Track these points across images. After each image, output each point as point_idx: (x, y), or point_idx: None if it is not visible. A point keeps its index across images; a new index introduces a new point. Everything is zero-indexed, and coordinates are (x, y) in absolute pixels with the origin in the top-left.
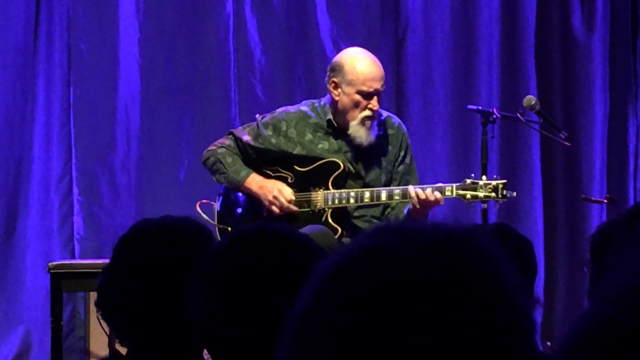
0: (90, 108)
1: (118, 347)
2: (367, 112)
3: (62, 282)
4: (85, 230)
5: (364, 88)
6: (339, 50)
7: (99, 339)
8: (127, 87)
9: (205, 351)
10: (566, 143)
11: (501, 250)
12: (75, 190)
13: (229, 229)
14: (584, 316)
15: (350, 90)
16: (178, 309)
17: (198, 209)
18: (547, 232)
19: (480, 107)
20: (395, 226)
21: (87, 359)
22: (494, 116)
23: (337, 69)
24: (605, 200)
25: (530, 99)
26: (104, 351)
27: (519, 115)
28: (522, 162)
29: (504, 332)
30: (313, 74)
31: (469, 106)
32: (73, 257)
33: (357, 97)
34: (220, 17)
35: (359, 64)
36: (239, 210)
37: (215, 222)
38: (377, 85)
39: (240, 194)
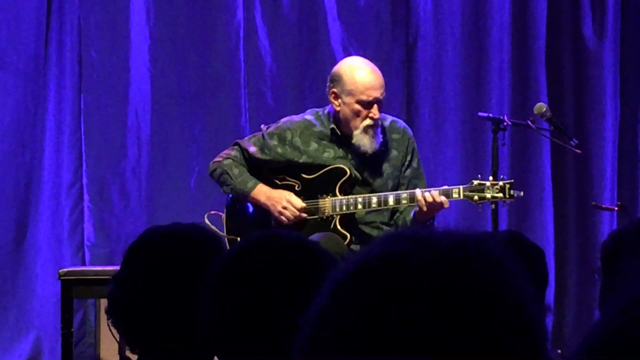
0: (100, 115)
1: (128, 354)
2: (368, 121)
3: (73, 289)
4: (95, 237)
5: (364, 97)
6: (349, 56)
7: (109, 346)
8: (137, 95)
9: (216, 358)
10: (577, 150)
11: (513, 258)
12: (85, 197)
13: (238, 239)
14: (596, 326)
15: (350, 100)
16: (188, 316)
17: (206, 220)
18: (557, 239)
19: (490, 115)
20: (408, 233)
21: None
22: (505, 123)
23: (336, 80)
24: (616, 208)
25: (541, 107)
26: (114, 358)
27: (529, 122)
28: (533, 170)
29: (516, 341)
30: (324, 81)
31: (480, 113)
32: (83, 264)
33: (357, 106)
34: (230, 24)
35: (358, 73)
36: (247, 220)
37: (225, 233)
38: (377, 93)
39: (247, 204)
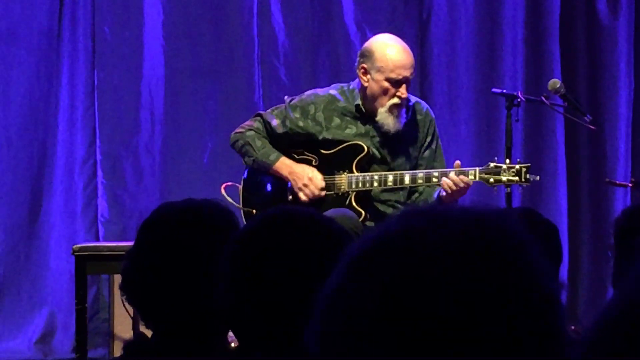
0: (114, 91)
1: (142, 329)
2: (395, 100)
3: (87, 265)
4: (109, 212)
5: (393, 75)
6: (362, 33)
7: (123, 322)
8: (151, 70)
9: (230, 333)
10: (591, 127)
11: (529, 235)
12: (99, 173)
13: (254, 211)
14: (610, 302)
15: (379, 77)
16: (203, 292)
17: (223, 191)
18: (571, 215)
19: (504, 91)
20: (425, 210)
21: (111, 341)
22: (519, 99)
23: (367, 55)
24: (630, 184)
25: (555, 82)
26: (128, 333)
27: (543, 98)
28: (547, 146)
29: (535, 317)
30: (337, 57)
31: (493, 89)
32: (97, 240)
33: (386, 84)
34: (244, 0)
35: (389, 50)
36: (264, 193)
37: (241, 205)
38: (407, 73)
39: (264, 176)
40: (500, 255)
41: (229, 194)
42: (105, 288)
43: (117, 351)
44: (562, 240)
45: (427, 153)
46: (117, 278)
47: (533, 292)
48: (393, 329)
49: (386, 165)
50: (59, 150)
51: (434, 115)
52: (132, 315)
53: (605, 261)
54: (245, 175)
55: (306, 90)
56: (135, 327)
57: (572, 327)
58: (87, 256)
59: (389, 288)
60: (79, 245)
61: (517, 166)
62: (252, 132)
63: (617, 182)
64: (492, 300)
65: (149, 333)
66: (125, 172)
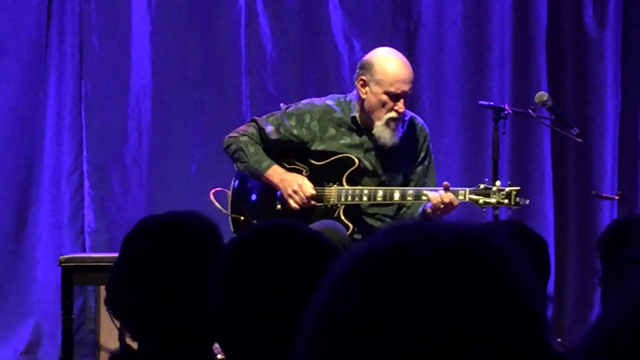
0: (101, 102)
1: (129, 340)
2: (392, 114)
3: (73, 275)
4: (96, 223)
5: (392, 89)
6: (350, 45)
7: (109, 332)
8: (138, 81)
9: (216, 345)
10: (578, 139)
11: (517, 250)
12: (86, 183)
13: (242, 218)
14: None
15: (377, 89)
16: (187, 304)
17: (212, 197)
18: (557, 228)
19: (491, 103)
20: (411, 225)
21: (97, 352)
22: (506, 112)
23: (366, 67)
24: (617, 197)
25: (542, 95)
26: (115, 344)
27: (530, 111)
28: (534, 158)
29: (519, 332)
30: (324, 68)
31: (481, 102)
32: (84, 251)
33: (384, 97)
34: (232, 11)
35: (389, 64)
36: (253, 200)
37: (229, 211)
38: (405, 87)
39: (254, 184)
40: (486, 270)
41: (217, 199)
42: (92, 299)
43: None
44: (549, 253)
45: (419, 169)
46: (104, 289)
47: (519, 308)
48: (380, 345)
49: (377, 178)
50: (45, 161)
51: (428, 132)
52: (118, 327)
53: (592, 274)
54: (235, 181)
55: (293, 102)
56: (121, 338)
57: (559, 340)
58: (73, 267)
59: (376, 304)
60: (65, 256)
61: (507, 189)
62: (245, 138)
63: (604, 195)
64: (478, 316)
65: (135, 345)
66: (112, 182)
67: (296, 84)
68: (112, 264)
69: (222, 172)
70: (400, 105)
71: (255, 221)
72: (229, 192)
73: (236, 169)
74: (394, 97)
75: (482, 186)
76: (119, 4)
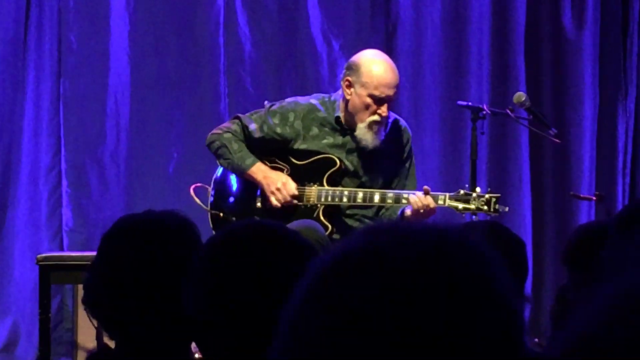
0: (80, 100)
1: (106, 339)
2: (375, 117)
3: (51, 274)
4: (73, 222)
5: (376, 93)
6: (329, 44)
7: (86, 331)
8: (117, 80)
9: (193, 345)
10: (555, 140)
11: (494, 251)
12: (64, 182)
13: (221, 214)
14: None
15: (362, 91)
16: (163, 304)
17: (192, 192)
18: (535, 228)
19: (470, 103)
20: (388, 226)
21: (74, 350)
22: (484, 112)
23: (353, 68)
24: (594, 198)
25: (520, 96)
26: (92, 343)
27: (508, 111)
28: (512, 159)
29: (495, 333)
30: (303, 67)
31: (459, 102)
32: (61, 249)
33: (368, 100)
34: (210, 10)
35: (376, 67)
36: (233, 197)
37: (208, 207)
38: (390, 92)
39: (234, 180)
40: (462, 272)
41: (197, 195)
42: (69, 297)
43: None
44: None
45: (401, 170)
46: (82, 288)
47: (495, 310)
48: (356, 346)
49: (357, 179)
50: (23, 159)
51: (411, 134)
52: (95, 325)
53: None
54: (216, 177)
55: (272, 101)
56: (98, 337)
57: (536, 340)
58: (51, 266)
59: (352, 305)
60: (43, 255)
61: (487, 195)
62: (229, 135)
63: (582, 195)
64: (452, 317)
65: (112, 344)
66: (90, 181)
67: (275, 83)
68: (89, 262)
69: (201, 171)
70: (383, 110)
71: (234, 218)
72: (210, 188)
73: (219, 165)
74: (378, 100)
75: (462, 192)
76: (97, 2)
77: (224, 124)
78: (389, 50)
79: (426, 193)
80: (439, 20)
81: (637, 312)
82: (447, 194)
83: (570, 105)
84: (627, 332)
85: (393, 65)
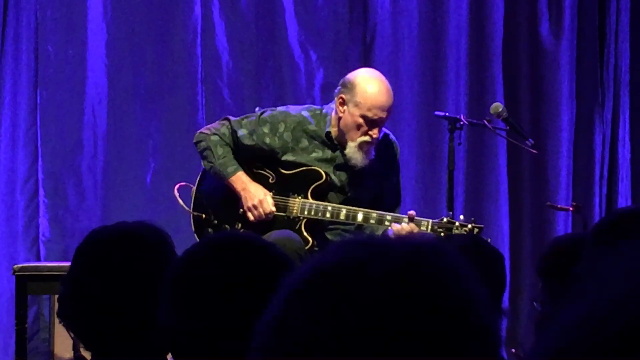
0: (57, 110)
1: (83, 351)
2: (366, 138)
3: (27, 285)
4: (50, 232)
5: (369, 114)
6: (306, 54)
7: (63, 342)
8: (94, 90)
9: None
10: (533, 150)
11: (468, 266)
12: (41, 192)
13: (203, 215)
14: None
15: (355, 111)
16: (138, 316)
17: (175, 192)
18: (512, 239)
19: (447, 114)
20: (364, 240)
21: None
22: (461, 123)
23: (348, 87)
24: (571, 208)
25: (498, 106)
26: (69, 354)
27: (486, 122)
28: (489, 169)
29: (469, 348)
30: (281, 77)
31: (436, 112)
32: (38, 260)
33: (360, 120)
34: (188, 20)
35: (371, 88)
36: (216, 199)
37: (191, 209)
38: (383, 114)
39: (219, 183)
40: (435, 289)
41: (181, 195)
42: (46, 308)
43: None
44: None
45: (387, 186)
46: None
47: (468, 323)
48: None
49: (343, 194)
50: (0, 169)
51: (399, 149)
52: (72, 336)
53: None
54: (201, 178)
55: (249, 112)
56: (75, 348)
57: (513, 350)
58: (27, 276)
59: (326, 320)
60: (19, 265)
61: (470, 225)
62: (216, 138)
63: (559, 206)
64: (428, 332)
65: (88, 355)
66: (67, 191)
67: (252, 93)
68: (66, 273)
69: (178, 180)
70: (375, 132)
71: (216, 221)
72: (194, 188)
73: (203, 165)
74: (370, 122)
75: (445, 219)
76: (75, 12)
77: (213, 125)
78: (366, 60)
79: (411, 219)
80: (417, 30)
81: (608, 328)
82: (431, 221)
83: (548, 115)
84: (596, 347)
85: (388, 86)
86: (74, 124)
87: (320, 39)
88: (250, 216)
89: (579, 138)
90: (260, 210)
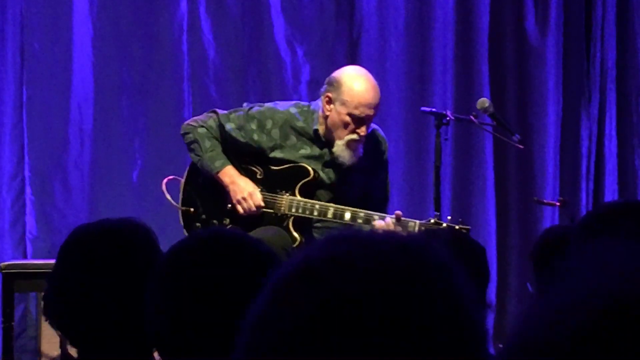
0: (43, 107)
1: (70, 348)
2: (354, 136)
3: (14, 282)
4: (37, 229)
5: (356, 112)
6: (293, 51)
7: (50, 340)
8: (80, 87)
9: (156, 354)
10: (519, 146)
11: (454, 260)
12: (27, 189)
13: (192, 210)
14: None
15: (342, 109)
16: (123, 313)
17: (163, 187)
18: (499, 234)
19: (433, 109)
20: (349, 235)
21: (38, 359)
22: (448, 118)
23: (334, 85)
24: (558, 203)
25: (484, 102)
26: (56, 351)
27: (472, 117)
28: (475, 165)
29: (455, 342)
30: (267, 74)
31: (423, 108)
32: (25, 257)
33: (347, 118)
34: (174, 17)
35: (357, 85)
36: (205, 194)
37: (179, 204)
38: (370, 112)
39: (208, 177)
40: (422, 281)
41: (169, 189)
42: (33, 306)
43: None
44: (491, 259)
45: (375, 181)
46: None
47: (456, 318)
48: (316, 354)
49: (332, 192)
50: None
51: (387, 145)
52: (59, 333)
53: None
54: (189, 171)
55: (236, 106)
56: (62, 345)
57: (500, 345)
58: (14, 274)
59: (313, 314)
60: (6, 263)
61: (457, 226)
62: (203, 130)
63: (545, 200)
64: (414, 326)
65: (75, 352)
66: (54, 189)
67: (238, 90)
68: (51, 271)
69: (165, 177)
70: (362, 130)
71: (204, 216)
72: (182, 182)
73: (191, 158)
74: (358, 120)
75: (432, 220)
76: (60, 8)
77: (200, 117)
78: (352, 56)
79: (398, 218)
80: (403, 26)
81: (573, 319)
82: (418, 222)
83: (534, 111)
84: (557, 337)
85: (375, 84)
86: (60, 121)
87: (307, 35)
88: (240, 209)
89: (566, 133)
90: (250, 202)
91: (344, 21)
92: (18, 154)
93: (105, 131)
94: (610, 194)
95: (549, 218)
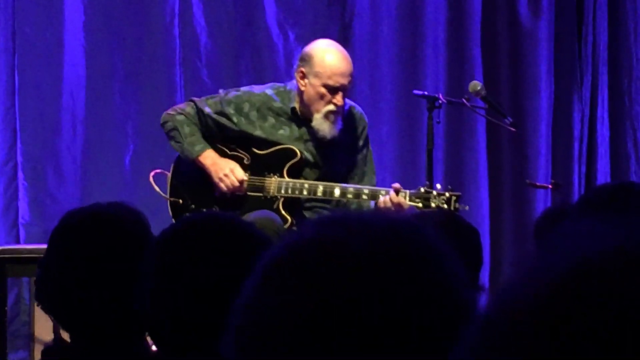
0: (35, 93)
1: (63, 333)
2: (331, 107)
3: (7, 267)
4: (30, 215)
5: (330, 82)
6: (285, 35)
7: (43, 324)
8: (72, 72)
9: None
10: (511, 129)
11: (446, 242)
12: (20, 174)
13: (180, 201)
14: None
15: (316, 82)
16: (116, 295)
17: (151, 179)
18: (492, 217)
19: (426, 93)
20: (340, 217)
21: (31, 344)
22: (440, 101)
23: (306, 59)
24: (550, 186)
25: (476, 85)
26: (49, 336)
27: (464, 100)
28: (468, 148)
29: (447, 324)
30: (259, 58)
31: (415, 91)
32: (18, 242)
33: (323, 90)
34: (165, 1)
35: (328, 57)
36: (192, 183)
37: (168, 195)
38: (344, 80)
39: (194, 167)
40: (414, 263)
41: (157, 182)
42: (26, 291)
43: (38, 354)
44: (484, 242)
45: (359, 157)
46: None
47: (448, 301)
48: (309, 339)
49: (318, 169)
50: None
51: (367, 121)
52: (52, 319)
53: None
54: (175, 164)
55: (247, 86)
56: (55, 330)
57: None
58: (7, 259)
59: (302, 298)
60: None
61: (447, 194)
62: (182, 117)
63: (538, 183)
64: (406, 308)
65: (68, 337)
66: (46, 174)
67: (231, 74)
68: (42, 256)
69: (157, 162)
70: (338, 99)
71: (193, 205)
72: (169, 174)
73: (171, 146)
74: (333, 90)
75: (422, 190)
76: None
77: (179, 106)
78: (345, 39)
79: (397, 191)
80: (395, 9)
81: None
82: (408, 192)
83: (526, 94)
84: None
85: (346, 53)
86: (52, 106)
87: (299, 18)
88: (223, 186)
89: (558, 116)
90: (232, 177)
91: (336, 5)
92: (10, 140)
93: (97, 116)
94: (603, 176)
95: (542, 201)
